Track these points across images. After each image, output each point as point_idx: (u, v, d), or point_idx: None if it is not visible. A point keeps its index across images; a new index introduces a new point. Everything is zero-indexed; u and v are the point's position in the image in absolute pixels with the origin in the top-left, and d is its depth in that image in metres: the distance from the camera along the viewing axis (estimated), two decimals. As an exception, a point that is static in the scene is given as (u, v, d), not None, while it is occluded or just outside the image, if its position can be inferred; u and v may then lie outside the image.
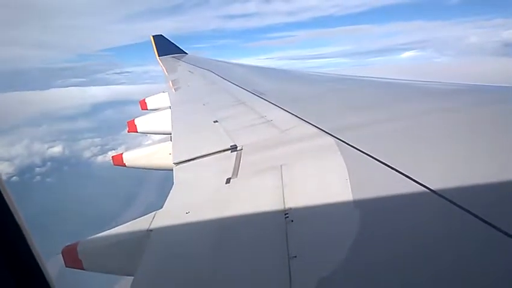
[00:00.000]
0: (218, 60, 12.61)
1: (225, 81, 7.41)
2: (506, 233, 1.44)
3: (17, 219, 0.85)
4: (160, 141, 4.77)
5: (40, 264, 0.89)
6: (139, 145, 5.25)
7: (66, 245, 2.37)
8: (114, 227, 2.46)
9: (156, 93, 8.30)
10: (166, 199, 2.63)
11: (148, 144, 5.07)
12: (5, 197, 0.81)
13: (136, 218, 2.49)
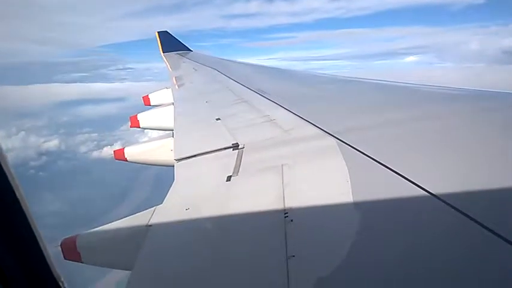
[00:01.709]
0: (222, 59, 12.55)
1: (229, 79, 7.38)
2: (504, 239, 1.45)
3: (25, 210, 0.84)
4: (162, 137, 4.76)
5: (45, 254, 0.88)
6: (136, 141, 5.22)
7: (65, 237, 2.36)
8: (112, 222, 2.44)
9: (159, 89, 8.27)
10: (163, 195, 2.61)
11: (149, 140, 5.05)
12: (15, 191, 0.81)
13: (129, 214, 2.47)
